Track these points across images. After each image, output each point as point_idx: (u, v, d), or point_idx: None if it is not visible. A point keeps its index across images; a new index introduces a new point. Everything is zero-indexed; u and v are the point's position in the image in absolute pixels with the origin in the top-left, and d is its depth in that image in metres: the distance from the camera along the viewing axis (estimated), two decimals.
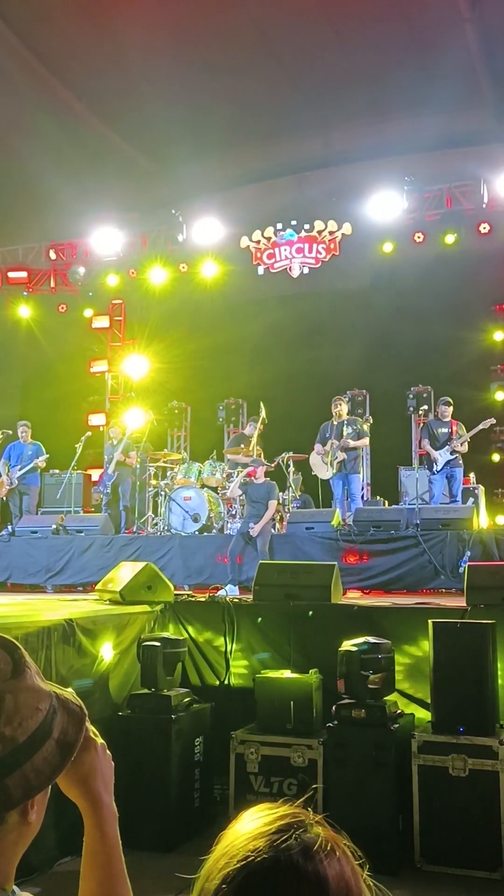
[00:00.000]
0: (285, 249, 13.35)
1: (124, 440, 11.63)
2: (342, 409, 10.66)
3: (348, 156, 13.70)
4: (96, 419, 14.57)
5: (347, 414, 10.84)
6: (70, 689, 1.42)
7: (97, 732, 1.50)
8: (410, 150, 13.15)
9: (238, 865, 0.93)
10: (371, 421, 11.16)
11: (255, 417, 11.53)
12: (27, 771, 1.22)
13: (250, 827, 0.98)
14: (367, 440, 10.77)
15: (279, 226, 13.36)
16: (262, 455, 11.18)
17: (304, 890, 0.91)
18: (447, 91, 12.09)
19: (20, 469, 11.44)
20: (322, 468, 10.66)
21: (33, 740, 1.24)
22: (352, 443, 10.40)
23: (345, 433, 10.35)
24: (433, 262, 12.68)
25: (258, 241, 13.42)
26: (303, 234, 13.29)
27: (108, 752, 1.50)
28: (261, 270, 13.39)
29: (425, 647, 5.63)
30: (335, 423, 10.54)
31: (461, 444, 10.33)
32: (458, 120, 12.49)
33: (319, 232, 13.18)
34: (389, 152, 13.23)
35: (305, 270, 13.14)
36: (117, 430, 11.91)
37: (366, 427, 10.76)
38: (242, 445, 11.30)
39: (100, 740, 1.49)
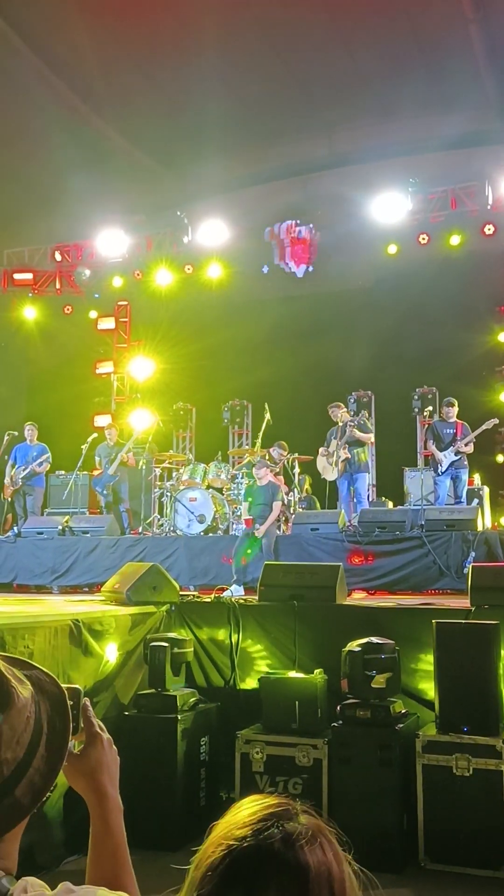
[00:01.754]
0: (290, 253, 13.38)
1: (129, 443, 11.58)
2: (338, 413, 10.66)
3: (353, 157, 13.74)
4: (102, 420, 14.62)
5: (349, 414, 10.87)
6: (77, 686, 1.45)
7: (104, 727, 1.54)
8: (415, 150, 13.18)
9: (222, 854, 0.97)
10: (369, 416, 11.06)
11: (280, 443, 11.36)
12: (31, 776, 1.26)
13: (238, 817, 1.02)
14: (371, 436, 10.69)
15: (284, 230, 13.38)
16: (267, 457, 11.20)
17: (284, 876, 0.95)
18: (452, 92, 12.13)
19: (23, 470, 11.48)
20: (329, 470, 10.67)
21: (31, 747, 1.27)
22: (357, 433, 10.38)
23: (345, 432, 10.36)
24: (438, 264, 12.70)
25: (279, 235, 13.42)
26: (308, 236, 13.31)
27: (114, 746, 1.54)
28: (266, 269, 13.41)
29: (430, 647, 5.65)
30: (340, 425, 10.54)
31: (466, 445, 10.34)
32: (462, 121, 12.51)
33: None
34: (394, 153, 13.26)
35: (311, 269, 13.16)
36: (114, 432, 11.84)
37: (370, 424, 10.72)
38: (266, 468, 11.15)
39: (106, 735, 1.53)
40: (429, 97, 12.40)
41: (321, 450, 10.75)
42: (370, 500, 11.27)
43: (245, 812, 1.03)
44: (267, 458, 11.01)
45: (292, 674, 5.92)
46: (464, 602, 6.29)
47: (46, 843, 4.95)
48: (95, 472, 11.98)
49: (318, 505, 11.52)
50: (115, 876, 1.44)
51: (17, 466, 11.56)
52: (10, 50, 11.51)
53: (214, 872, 0.97)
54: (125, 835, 1.49)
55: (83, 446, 11.53)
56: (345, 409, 10.77)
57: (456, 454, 10.37)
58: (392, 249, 12.92)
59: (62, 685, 1.38)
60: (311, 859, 0.97)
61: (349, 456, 10.35)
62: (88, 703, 1.53)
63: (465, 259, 12.56)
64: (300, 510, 10.82)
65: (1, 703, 1.26)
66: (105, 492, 11.43)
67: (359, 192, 12.94)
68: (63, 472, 12.49)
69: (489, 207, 12.29)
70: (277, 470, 10.92)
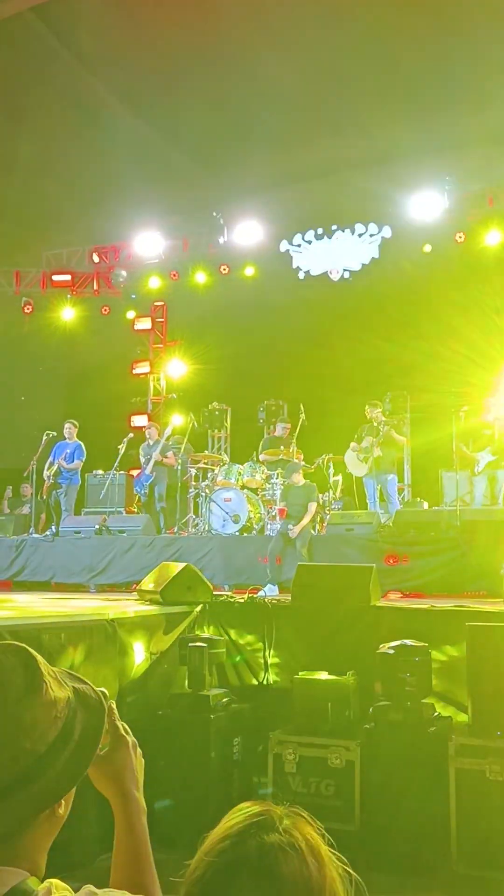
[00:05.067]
0: (325, 253, 13.36)
1: (161, 441, 11.70)
2: (373, 413, 10.71)
3: (389, 155, 13.66)
4: (139, 420, 14.74)
5: (385, 414, 10.89)
6: (103, 689, 1.48)
7: (129, 730, 1.57)
8: (451, 148, 13.07)
9: (202, 869, 1.00)
10: (407, 420, 11.03)
11: (282, 418, 11.61)
12: (52, 777, 1.29)
13: (221, 829, 1.03)
14: (405, 440, 10.69)
15: (320, 230, 13.39)
16: (303, 457, 11.22)
17: (258, 887, 0.95)
18: (488, 89, 12.00)
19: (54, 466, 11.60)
20: (356, 465, 10.68)
21: (54, 748, 1.30)
22: (393, 434, 10.38)
23: (381, 432, 10.38)
24: (475, 262, 12.59)
25: (298, 245, 13.46)
26: (344, 236, 13.29)
27: (139, 749, 1.58)
28: (301, 275, 13.43)
29: (463, 649, 5.61)
30: (374, 423, 10.56)
31: None
32: (499, 118, 12.38)
33: (360, 235, 13.17)
34: (430, 151, 13.16)
35: (346, 275, 13.15)
36: (154, 431, 11.96)
37: (404, 428, 10.72)
38: (282, 447, 11.34)
39: (131, 738, 1.56)
40: (466, 94, 12.28)
41: (353, 444, 10.78)
42: (403, 499, 11.26)
43: (227, 824, 1.04)
44: (302, 458, 11.06)
45: (325, 675, 5.91)
46: (499, 604, 6.25)
47: (82, 840, 5.00)
48: (135, 472, 12.08)
49: (354, 505, 11.50)
50: (137, 877, 1.47)
51: (53, 464, 11.68)
52: (45, 49, 11.61)
53: (197, 886, 0.99)
54: (148, 836, 1.53)
55: (120, 446, 11.65)
56: (380, 409, 10.78)
57: (492, 454, 10.28)
58: (428, 248, 12.84)
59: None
60: (286, 869, 0.97)
61: (381, 454, 10.35)
62: (114, 706, 1.56)
63: (502, 257, 12.44)
64: (335, 511, 10.81)
65: (28, 687, 1.29)
66: (144, 491, 11.52)
67: (395, 190, 12.88)
68: (100, 471, 12.61)
69: None
70: (286, 435, 11.11)
